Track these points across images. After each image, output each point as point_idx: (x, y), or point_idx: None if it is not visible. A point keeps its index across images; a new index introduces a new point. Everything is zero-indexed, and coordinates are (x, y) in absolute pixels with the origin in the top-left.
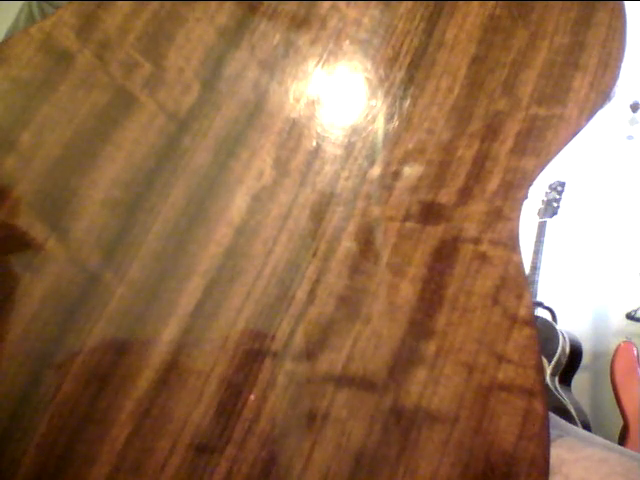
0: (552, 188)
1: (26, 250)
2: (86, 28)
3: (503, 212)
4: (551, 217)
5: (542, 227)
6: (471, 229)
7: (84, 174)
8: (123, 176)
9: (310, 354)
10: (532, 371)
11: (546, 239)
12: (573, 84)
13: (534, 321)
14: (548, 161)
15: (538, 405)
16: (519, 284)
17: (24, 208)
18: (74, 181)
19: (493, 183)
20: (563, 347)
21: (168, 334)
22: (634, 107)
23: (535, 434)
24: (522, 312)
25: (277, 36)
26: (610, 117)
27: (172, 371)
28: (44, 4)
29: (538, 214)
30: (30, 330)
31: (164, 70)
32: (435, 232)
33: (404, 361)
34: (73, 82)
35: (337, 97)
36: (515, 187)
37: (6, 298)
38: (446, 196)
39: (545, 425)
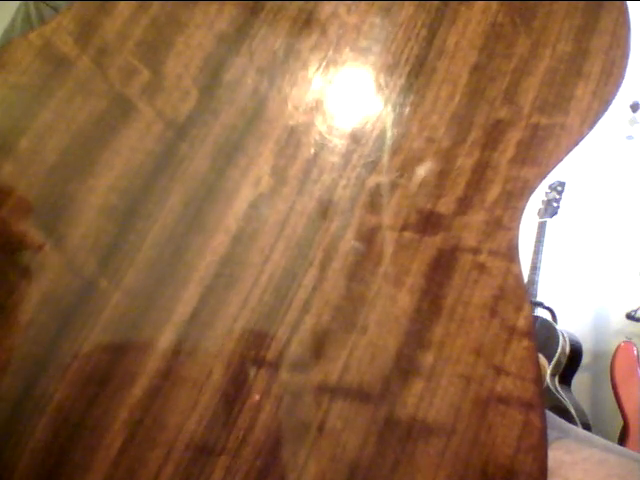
0: (552, 188)
1: (22, 256)
2: (85, 34)
3: (503, 222)
4: (551, 217)
5: (542, 227)
6: (470, 239)
7: (81, 180)
8: (120, 183)
9: (306, 364)
10: (530, 383)
11: (546, 239)
12: (575, 92)
13: (533, 333)
14: (549, 170)
15: (536, 418)
16: (518, 295)
17: (21, 214)
18: (71, 187)
19: (493, 192)
20: (563, 347)
21: (163, 342)
22: (634, 107)
23: (533, 447)
24: (521, 323)
25: (277, 43)
26: (610, 117)
27: (167, 379)
28: (41, 4)
29: (538, 214)
30: (26, 336)
31: (163, 77)
32: (433, 242)
33: (401, 372)
34: (71, 88)
35: (336, 105)
36: (515, 196)
37: (2, 304)
38: (445, 205)
39: (543, 438)
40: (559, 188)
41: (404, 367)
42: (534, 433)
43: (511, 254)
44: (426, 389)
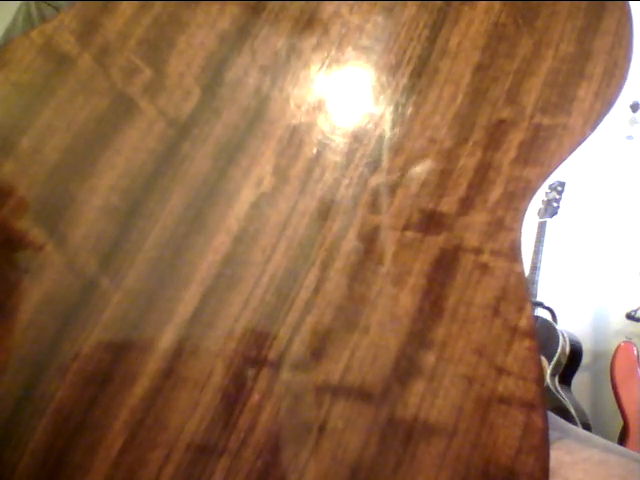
0: (552, 188)
1: (23, 255)
2: (87, 33)
3: (505, 222)
4: (551, 217)
5: (542, 227)
6: (472, 239)
7: (83, 180)
8: (122, 182)
9: (307, 364)
10: (532, 384)
11: (546, 239)
12: (578, 93)
13: (535, 333)
14: (551, 171)
15: (538, 418)
16: (520, 295)
17: (22, 213)
18: (73, 187)
19: (495, 193)
20: (563, 347)
21: (165, 342)
22: (634, 107)
23: (534, 448)
24: (523, 323)
25: (279, 42)
26: (610, 117)
27: (168, 379)
28: (42, 4)
29: (538, 214)
30: (26, 336)
31: (165, 76)
32: (436, 241)
33: (402, 372)
34: (73, 87)
35: (338, 104)
36: (517, 197)
37: (3, 304)
38: (447, 205)
39: (545, 439)
40: (559, 188)
41: (406, 367)
42: (536, 433)
43: (513, 254)
44: (428, 389)
